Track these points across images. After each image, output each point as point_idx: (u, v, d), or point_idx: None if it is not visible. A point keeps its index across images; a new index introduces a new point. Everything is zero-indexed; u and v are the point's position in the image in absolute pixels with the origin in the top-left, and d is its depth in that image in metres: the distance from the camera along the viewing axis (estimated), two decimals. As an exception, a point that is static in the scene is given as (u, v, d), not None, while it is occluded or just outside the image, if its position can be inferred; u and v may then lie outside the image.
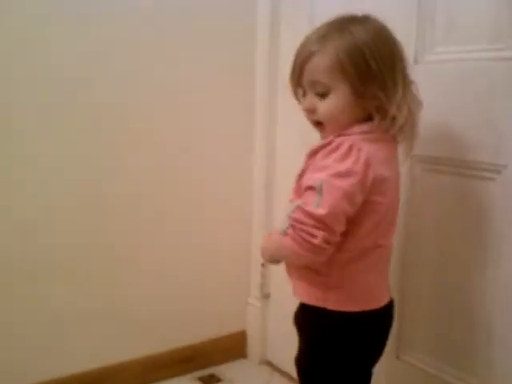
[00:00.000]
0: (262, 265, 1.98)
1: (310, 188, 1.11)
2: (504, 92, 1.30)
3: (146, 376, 1.91)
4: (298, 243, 1.10)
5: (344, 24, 1.16)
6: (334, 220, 1.09)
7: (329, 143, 1.14)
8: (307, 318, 1.27)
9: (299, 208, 1.11)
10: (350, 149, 1.10)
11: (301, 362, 1.31)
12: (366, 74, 1.12)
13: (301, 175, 1.20)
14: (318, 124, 1.22)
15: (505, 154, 1.31)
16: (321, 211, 1.08)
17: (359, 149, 1.10)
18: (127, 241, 1.83)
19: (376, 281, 1.24)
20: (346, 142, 1.11)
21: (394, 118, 1.14)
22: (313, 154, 1.18)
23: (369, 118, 1.17)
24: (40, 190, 1.66)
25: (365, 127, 1.15)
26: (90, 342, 1.80)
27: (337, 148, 1.11)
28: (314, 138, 1.25)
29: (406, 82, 1.17)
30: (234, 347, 2.11)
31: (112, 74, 1.73)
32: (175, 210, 1.91)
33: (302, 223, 1.10)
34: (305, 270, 1.21)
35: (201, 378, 1.98)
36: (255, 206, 2.06)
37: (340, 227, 1.11)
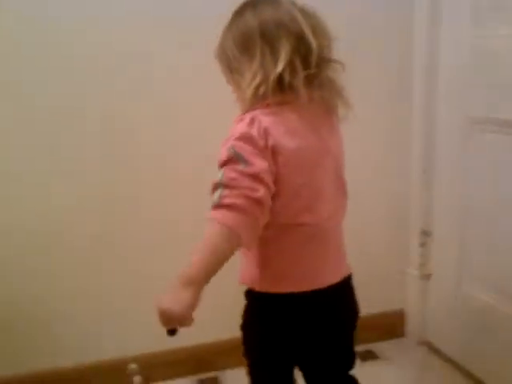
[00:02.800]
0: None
1: (229, 160, 1.04)
2: None
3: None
4: (241, 202, 0.99)
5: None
6: (266, 173, 1.04)
7: (236, 119, 1.13)
8: (246, 299, 1.23)
9: (226, 169, 1.03)
10: (252, 120, 1.08)
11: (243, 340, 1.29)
12: (223, 57, 1.18)
13: None
14: None
15: None
16: (252, 168, 1.02)
17: (259, 120, 1.08)
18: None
19: (308, 262, 1.16)
20: (248, 115, 1.10)
21: (258, 88, 1.10)
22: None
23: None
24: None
25: (264, 103, 1.12)
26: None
27: (240, 120, 1.10)
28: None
29: (280, 52, 1.10)
30: (392, 325, 2.12)
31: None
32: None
33: (236, 180, 1.01)
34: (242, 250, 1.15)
35: (358, 353, 2.01)
36: (413, 190, 2.04)
37: (272, 185, 1.06)
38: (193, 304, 0.98)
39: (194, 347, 1.85)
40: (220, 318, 1.75)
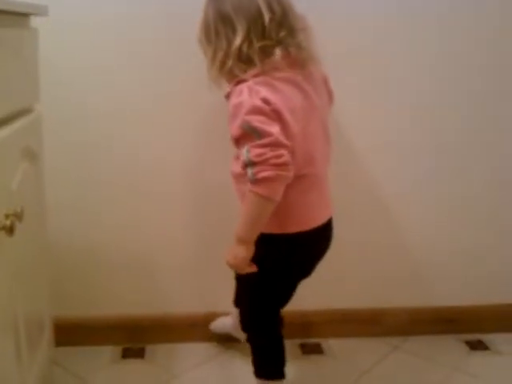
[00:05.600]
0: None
1: (246, 135, 1.23)
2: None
3: (410, 327, 1.98)
4: (273, 174, 1.20)
5: None
6: (281, 136, 1.21)
7: (232, 92, 1.30)
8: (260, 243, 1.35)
9: (251, 148, 1.21)
10: (250, 91, 1.24)
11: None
12: (201, 48, 1.37)
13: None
14: None
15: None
16: (268, 137, 1.20)
17: (257, 91, 1.24)
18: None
19: (309, 207, 1.37)
20: (244, 87, 1.25)
21: (224, 63, 1.29)
22: (227, 99, 1.33)
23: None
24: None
25: (252, 72, 1.28)
26: (365, 284, 1.96)
27: (239, 94, 1.25)
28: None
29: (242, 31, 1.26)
30: (508, 318, 2.02)
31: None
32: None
33: (262, 155, 1.19)
34: None
35: (467, 342, 1.96)
36: None
37: (288, 142, 1.23)
38: (245, 257, 1.30)
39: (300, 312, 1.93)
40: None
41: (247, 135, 1.22)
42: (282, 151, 1.20)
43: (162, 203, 1.82)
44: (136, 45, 1.68)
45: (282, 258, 1.39)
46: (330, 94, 1.48)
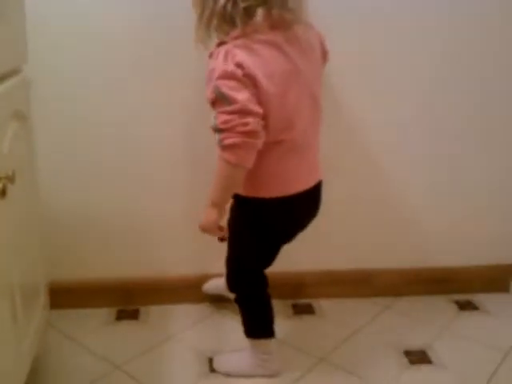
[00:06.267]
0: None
1: (216, 101, 1.25)
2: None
3: (400, 288, 2.01)
4: (238, 140, 1.22)
5: None
6: (250, 103, 1.23)
7: (213, 53, 1.32)
8: (237, 206, 1.45)
9: (218, 114, 1.24)
10: (226, 56, 1.25)
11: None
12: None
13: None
14: None
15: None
16: (236, 105, 1.21)
17: (233, 55, 1.24)
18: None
19: (286, 173, 1.37)
20: (222, 50, 1.27)
21: (210, 22, 1.27)
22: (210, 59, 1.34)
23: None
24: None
25: (233, 34, 1.28)
26: (356, 245, 1.98)
27: (217, 56, 1.27)
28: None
29: None
30: (497, 279, 2.06)
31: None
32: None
33: (228, 122, 1.22)
34: None
35: (457, 302, 2.00)
36: None
37: (259, 109, 1.24)
38: (215, 220, 1.34)
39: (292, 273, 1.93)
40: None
41: (218, 100, 1.24)
42: (249, 119, 1.22)
43: (155, 166, 1.81)
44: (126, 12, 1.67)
45: (260, 222, 1.42)
46: (324, 54, 1.45)
